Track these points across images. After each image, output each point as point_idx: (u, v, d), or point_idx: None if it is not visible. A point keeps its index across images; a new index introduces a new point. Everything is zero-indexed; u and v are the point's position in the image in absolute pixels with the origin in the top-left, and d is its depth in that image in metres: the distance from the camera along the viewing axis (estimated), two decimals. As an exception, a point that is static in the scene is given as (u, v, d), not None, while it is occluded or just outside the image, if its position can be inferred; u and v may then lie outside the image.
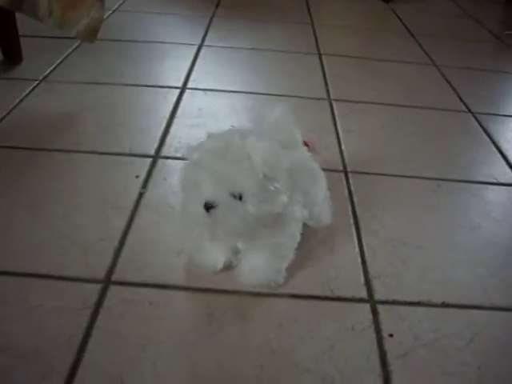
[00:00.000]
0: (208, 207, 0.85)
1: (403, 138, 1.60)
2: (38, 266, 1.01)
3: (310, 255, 1.09)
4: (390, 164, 1.44)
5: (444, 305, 1.02)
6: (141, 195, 1.22)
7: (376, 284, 1.04)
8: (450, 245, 1.17)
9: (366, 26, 2.74)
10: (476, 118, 1.77)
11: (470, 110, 1.82)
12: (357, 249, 1.13)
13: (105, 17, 2.36)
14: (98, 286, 0.98)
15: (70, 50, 2.01)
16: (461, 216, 1.27)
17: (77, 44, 2.03)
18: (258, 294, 0.99)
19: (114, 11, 2.51)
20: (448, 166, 1.47)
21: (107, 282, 0.99)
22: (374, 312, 0.98)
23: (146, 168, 1.32)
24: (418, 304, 1.01)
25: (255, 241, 0.97)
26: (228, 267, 1.03)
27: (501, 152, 1.58)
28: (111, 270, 1.01)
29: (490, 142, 1.62)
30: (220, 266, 1.03)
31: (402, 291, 1.03)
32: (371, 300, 1.01)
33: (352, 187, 1.32)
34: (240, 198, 0.85)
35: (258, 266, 1.00)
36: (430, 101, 1.86)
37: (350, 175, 1.36)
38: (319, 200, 1.12)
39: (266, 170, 0.85)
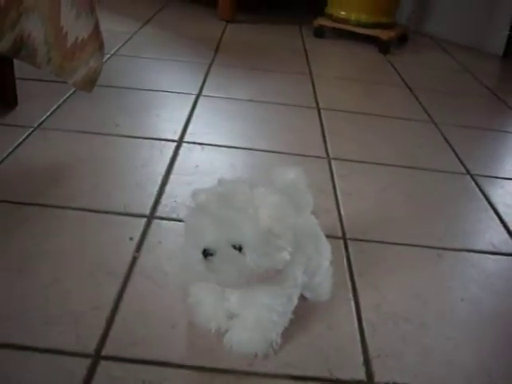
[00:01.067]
0: (206, 254, 0.82)
1: (404, 201, 1.58)
2: (23, 336, 0.96)
3: (308, 332, 1.05)
4: (391, 230, 1.42)
5: (447, 390, 0.98)
6: (134, 260, 1.19)
7: (376, 364, 1.00)
8: (453, 322, 1.14)
9: (364, 77, 2.74)
10: (475, 181, 1.75)
11: (468, 172, 1.81)
12: (356, 325, 1.09)
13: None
14: (88, 361, 0.93)
15: (67, 95, 1.98)
16: (463, 289, 1.24)
17: (74, 89, 2.01)
18: (255, 374, 0.95)
19: (111, 55, 2.50)
20: (448, 234, 1.44)
21: (97, 356, 0.94)
22: (374, 397, 0.95)
23: (141, 229, 1.29)
24: (420, 388, 0.97)
25: (250, 296, 0.94)
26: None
27: (500, 217, 1.55)
28: (102, 344, 0.97)
29: (489, 207, 1.60)
30: (221, 327, 0.99)
31: (403, 373, 0.99)
32: (371, 383, 0.97)
33: (351, 256, 1.29)
34: (240, 249, 0.83)
35: (245, 335, 0.97)
36: (429, 161, 1.84)
37: (349, 242, 1.33)
38: (321, 270, 1.09)
39: (271, 224, 0.83)
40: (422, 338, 1.08)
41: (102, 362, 0.93)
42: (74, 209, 1.34)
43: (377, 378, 0.97)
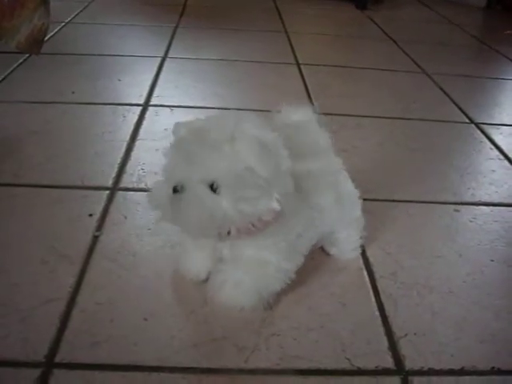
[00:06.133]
0: (175, 191, 0.72)
1: (406, 155, 1.37)
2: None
3: (316, 311, 0.85)
4: (398, 187, 1.21)
5: (494, 371, 0.78)
6: (95, 239, 0.97)
7: (404, 346, 0.80)
8: (486, 287, 0.94)
9: (344, 33, 2.53)
10: (481, 129, 1.55)
11: (472, 121, 1.61)
12: (373, 299, 0.89)
13: (57, 29, 2.12)
14: (37, 372, 0.72)
15: (15, 64, 1.74)
16: (490, 248, 1.04)
17: (23, 58, 1.77)
18: (253, 371, 0.74)
19: (66, 23, 2.25)
20: (463, 187, 1.25)
21: (49, 364, 0.73)
22: (408, 389, 0.75)
23: (102, 203, 1.07)
24: (461, 372, 0.77)
25: (240, 251, 0.80)
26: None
27: (515, 166, 1.36)
28: (55, 348, 0.75)
29: (502, 156, 1.41)
30: (203, 276, 0.86)
31: (438, 355, 0.79)
32: (401, 371, 0.76)
33: (356, 218, 1.08)
34: (212, 187, 0.70)
35: (231, 280, 0.80)
36: (428, 112, 1.64)
37: (351, 203, 1.13)
38: (344, 223, 0.93)
39: (251, 161, 0.70)
40: (454, 309, 0.88)
41: (56, 372, 0.72)
42: (23, 185, 1.12)
43: (408, 365, 0.77)
